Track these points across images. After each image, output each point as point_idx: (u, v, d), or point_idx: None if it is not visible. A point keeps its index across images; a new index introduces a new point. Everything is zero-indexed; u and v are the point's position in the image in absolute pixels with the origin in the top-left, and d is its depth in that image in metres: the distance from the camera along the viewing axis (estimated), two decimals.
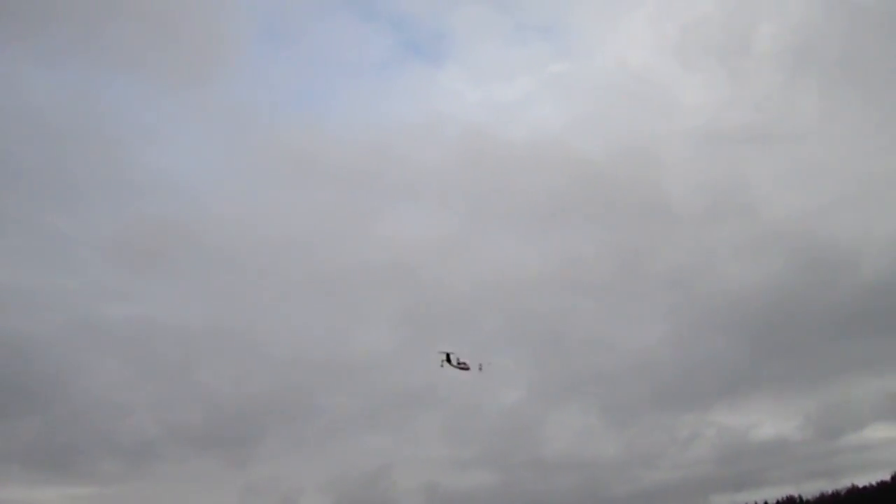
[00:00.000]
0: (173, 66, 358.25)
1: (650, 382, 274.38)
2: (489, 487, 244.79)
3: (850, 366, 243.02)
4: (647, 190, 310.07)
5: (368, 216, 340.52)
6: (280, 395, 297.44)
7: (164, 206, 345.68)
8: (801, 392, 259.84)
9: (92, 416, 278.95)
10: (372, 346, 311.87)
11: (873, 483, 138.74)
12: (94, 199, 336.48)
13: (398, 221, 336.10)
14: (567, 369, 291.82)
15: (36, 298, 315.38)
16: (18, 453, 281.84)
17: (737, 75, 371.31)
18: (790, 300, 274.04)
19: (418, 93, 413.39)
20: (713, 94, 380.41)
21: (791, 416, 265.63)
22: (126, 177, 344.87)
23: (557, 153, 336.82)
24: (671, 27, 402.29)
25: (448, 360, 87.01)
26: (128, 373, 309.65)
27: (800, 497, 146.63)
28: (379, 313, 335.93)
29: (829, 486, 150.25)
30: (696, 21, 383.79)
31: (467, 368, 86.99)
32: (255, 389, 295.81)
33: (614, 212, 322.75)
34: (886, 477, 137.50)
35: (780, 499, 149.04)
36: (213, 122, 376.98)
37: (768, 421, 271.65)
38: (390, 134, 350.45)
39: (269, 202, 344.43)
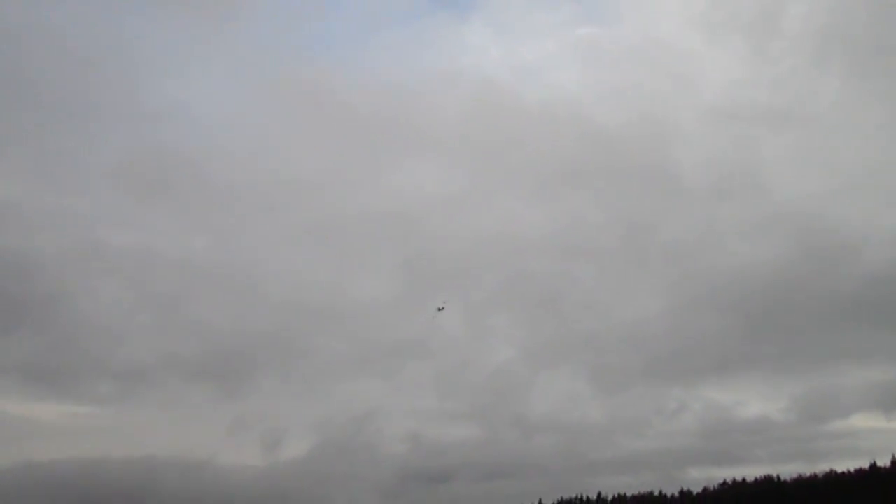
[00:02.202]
0: (199, 1, 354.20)
1: (642, 353, 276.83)
2: (472, 441, 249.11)
3: (841, 354, 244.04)
4: (657, 161, 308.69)
5: (378, 164, 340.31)
6: (275, 334, 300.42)
7: (176, 137, 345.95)
8: (790, 375, 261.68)
9: (90, 338, 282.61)
10: (369, 294, 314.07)
11: (851, 470, 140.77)
12: (106, 124, 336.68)
13: (407, 172, 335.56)
14: (560, 333, 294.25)
15: (40, 217, 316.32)
16: (17, 368, 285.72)
17: (760, 53, 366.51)
18: (790, 283, 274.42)
19: (440, 44, 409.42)
20: (734, 70, 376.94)
21: (778, 398, 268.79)
22: (141, 105, 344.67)
23: (572, 117, 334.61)
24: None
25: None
26: (126, 299, 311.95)
27: (777, 477, 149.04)
28: (379, 262, 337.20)
29: (807, 469, 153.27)
30: None
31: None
32: (250, 327, 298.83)
33: (622, 180, 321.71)
34: (865, 465, 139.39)
35: (758, 477, 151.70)
36: (233, 59, 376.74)
37: (755, 400, 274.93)
38: (407, 83, 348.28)
39: (280, 142, 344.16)
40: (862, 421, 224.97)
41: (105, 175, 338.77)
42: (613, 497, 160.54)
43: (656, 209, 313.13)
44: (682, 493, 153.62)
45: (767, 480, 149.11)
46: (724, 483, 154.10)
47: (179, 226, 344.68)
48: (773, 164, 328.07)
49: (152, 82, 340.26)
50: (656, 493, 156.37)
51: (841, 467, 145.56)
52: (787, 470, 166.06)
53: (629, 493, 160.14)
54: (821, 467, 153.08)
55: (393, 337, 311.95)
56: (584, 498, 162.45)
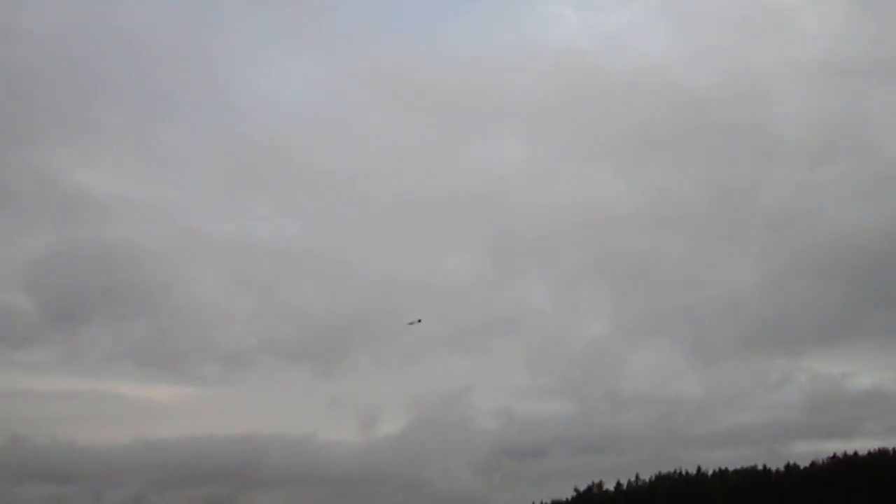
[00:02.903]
0: None
1: (739, 324, 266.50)
2: (565, 416, 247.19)
3: None
4: (752, 123, 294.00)
5: (460, 143, 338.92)
6: (367, 314, 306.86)
7: (262, 126, 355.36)
8: None
9: (195, 323, 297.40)
10: (458, 272, 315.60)
11: None
12: (196, 117, 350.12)
13: (490, 148, 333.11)
14: (652, 306, 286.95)
15: (143, 210, 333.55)
16: (131, 353, 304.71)
17: (861, 4, 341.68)
18: None
19: (519, 17, 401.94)
20: (834, 23, 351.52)
21: (891, 368, 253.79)
22: (226, 96, 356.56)
23: (658, 83, 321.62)
24: None
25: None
26: (226, 285, 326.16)
27: (894, 450, 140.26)
28: (466, 240, 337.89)
29: None
30: None
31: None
32: (343, 308, 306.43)
33: (714, 146, 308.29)
34: None
35: (871, 450, 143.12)
36: (314, 45, 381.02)
37: (865, 371, 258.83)
38: (487, 59, 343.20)
39: (363, 125, 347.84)
40: None
41: (200, 167, 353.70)
42: (714, 472, 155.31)
43: (752, 174, 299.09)
44: (787, 467, 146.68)
45: (882, 453, 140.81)
46: (834, 456, 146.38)
47: (271, 213, 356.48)
48: (881, 121, 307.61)
49: (239, 74, 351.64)
50: (760, 468, 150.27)
51: None
52: None
53: (731, 468, 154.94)
54: None
55: (482, 314, 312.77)
56: (683, 473, 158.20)
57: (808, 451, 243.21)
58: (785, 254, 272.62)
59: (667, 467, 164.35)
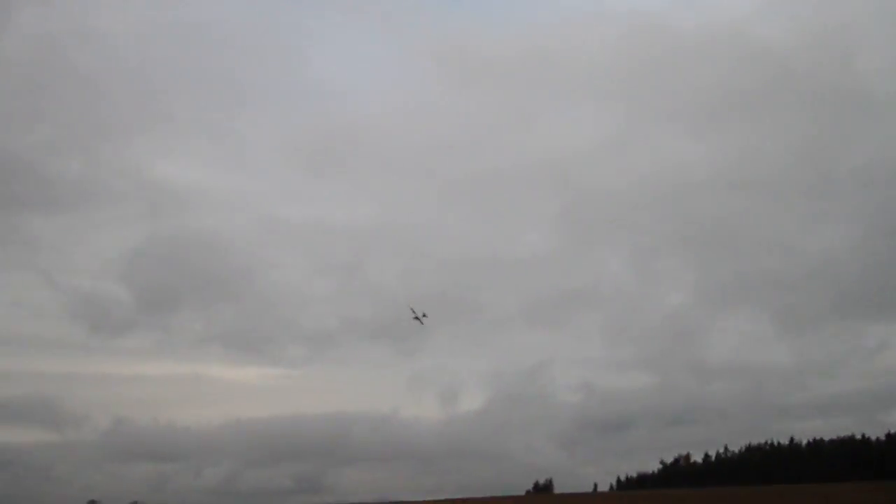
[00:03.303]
0: None
1: (832, 288, 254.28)
2: (648, 389, 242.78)
3: None
4: (840, 76, 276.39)
5: (531, 114, 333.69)
6: (444, 292, 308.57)
7: (334, 109, 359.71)
8: None
9: (278, 307, 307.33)
10: (533, 246, 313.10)
11: None
12: (271, 105, 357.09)
13: (560, 118, 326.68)
14: (737, 273, 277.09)
15: (223, 199, 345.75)
16: (221, 337, 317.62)
17: None
18: None
19: None
20: None
21: None
22: (298, 83, 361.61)
23: (734, 38, 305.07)
24: None
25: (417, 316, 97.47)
26: (306, 268, 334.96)
27: None
28: (540, 212, 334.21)
29: None
30: None
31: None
32: (420, 286, 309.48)
33: (799, 102, 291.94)
34: None
35: None
36: (378, 25, 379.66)
37: None
38: (553, 27, 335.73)
39: (433, 102, 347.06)
40: None
41: (276, 153, 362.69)
42: (808, 442, 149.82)
43: (842, 129, 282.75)
44: (888, 436, 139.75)
45: None
46: None
47: (346, 195, 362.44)
48: None
49: (309, 60, 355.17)
50: (858, 437, 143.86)
51: None
52: None
53: (826, 438, 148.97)
54: None
55: (559, 287, 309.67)
56: (775, 444, 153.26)
57: None
58: (878, 212, 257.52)
59: (757, 438, 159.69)
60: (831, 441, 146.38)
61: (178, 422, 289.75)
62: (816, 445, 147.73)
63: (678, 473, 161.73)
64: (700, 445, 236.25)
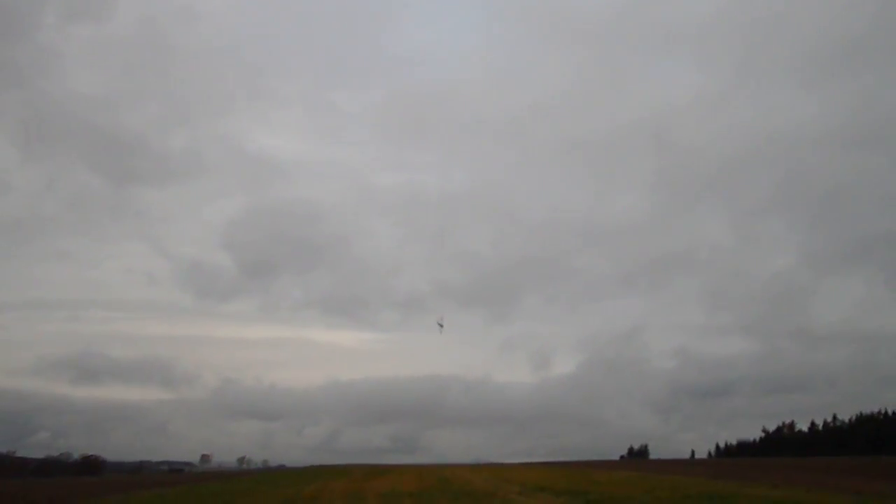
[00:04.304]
0: None
1: None
2: (748, 355, 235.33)
3: None
4: None
5: (624, 74, 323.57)
6: (536, 257, 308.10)
7: (424, 77, 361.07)
8: None
9: (372, 273, 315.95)
10: (628, 209, 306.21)
11: None
12: (362, 75, 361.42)
13: (656, 75, 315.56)
14: (849, 233, 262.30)
15: (318, 169, 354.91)
16: (318, 303, 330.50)
17: None
18: None
19: None
20: None
21: None
22: (388, 53, 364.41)
23: None
24: None
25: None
26: (399, 235, 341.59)
27: None
28: (636, 175, 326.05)
29: None
30: None
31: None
32: (512, 251, 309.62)
33: None
34: None
35: None
36: None
37: None
38: None
39: (521, 66, 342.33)
40: None
41: (368, 122, 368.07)
42: None
43: None
44: None
45: None
46: None
47: (438, 162, 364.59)
48: None
49: (397, 29, 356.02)
50: None
51: None
52: None
53: None
54: None
55: (655, 251, 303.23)
56: (889, 413, 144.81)
57: None
58: None
59: (869, 407, 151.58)
60: None
61: (280, 383, 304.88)
62: None
63: (781, 442, 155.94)
64: (806, 414, 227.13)
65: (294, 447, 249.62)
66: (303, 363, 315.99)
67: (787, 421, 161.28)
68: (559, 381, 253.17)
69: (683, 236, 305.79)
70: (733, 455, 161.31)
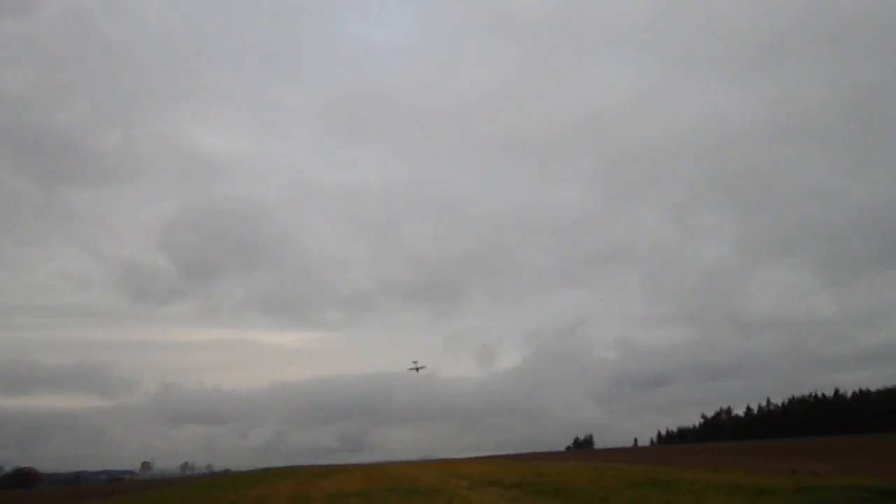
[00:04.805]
0: None
1: (879, 237, 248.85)
2: (686, 344, 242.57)
3: None
4: (883, 15, 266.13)
5: (562, 71, 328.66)
6: (480, 252, 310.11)
7: (365, 73, 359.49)
8: None
9: (316, 271, 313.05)
10: (568, 204, 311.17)
11: None
12: (303, 71, 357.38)
13: (593, 72, 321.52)
14: (779, 224, 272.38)
15: (258, 167, 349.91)
16: (260, 302, 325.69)
17: None
18: None
19: None
20: None
21: None
22: (328, 49, 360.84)
23: None
24: None
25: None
26: (342, 233, 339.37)
27: None
28: (575, 170, 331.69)
29: None
30: None
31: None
32: (456, 247, 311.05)
33: (843, 46, 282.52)
34: None
35: None
36: None
37: None
38: None
39: (462, 62, 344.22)
40: None
41: (310, 119, 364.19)
42: (854, 393, 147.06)
43: (886, 73, 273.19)
44: None
45: None
46: None
47: (380, 158, 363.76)
48: None
49: (337, 25, 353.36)
50: None
51: None
52: None
53: (872, 389, 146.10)
54: None
55: (596, 244, 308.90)
56: (819, 396, 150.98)
57: None
58: None
59: (801, 391, 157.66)
60: (878, 392, 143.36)
61: (223, 385, 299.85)
62: (863, 396, 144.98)
63: (720, 427, 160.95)
64: (742, 399, 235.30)
65: (239, 451, 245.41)
66: (246, 365, 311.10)
67: (725, 406, 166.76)
68: (505, 375, 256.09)
69: (624, 229, 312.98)
70: (675, 441, 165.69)
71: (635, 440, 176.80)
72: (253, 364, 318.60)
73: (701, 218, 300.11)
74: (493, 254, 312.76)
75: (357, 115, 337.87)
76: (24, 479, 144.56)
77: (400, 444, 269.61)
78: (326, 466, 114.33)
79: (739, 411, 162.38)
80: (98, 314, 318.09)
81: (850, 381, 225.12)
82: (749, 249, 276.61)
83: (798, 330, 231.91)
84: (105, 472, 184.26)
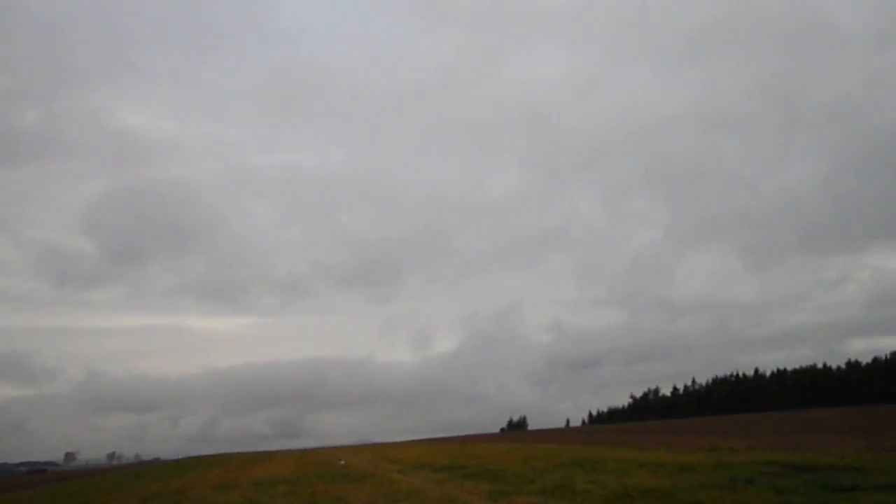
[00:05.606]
0: None
1: (797, 223, 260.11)
2: (617, 327, 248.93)
3: None
4: (808, 11, 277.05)
5: (499, 56, 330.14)
6: (416, 236, 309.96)
7: (302, 54, 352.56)
8: None
9: (250, 255, 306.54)
10: (505, 188, 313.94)
11: None
12: (236, 50, 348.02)
13: (530, 59, 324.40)
14: (705, 211, 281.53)
15: (190, 148, 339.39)
16: (191, 287, 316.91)
17: None
18: None
19: None
20: None
21: None
22: (264, 28, 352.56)
23: None
24: None
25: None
26: (277, 216, 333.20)
27: None
28: (512, 155, 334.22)
29: None
30: None
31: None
32: (392, 231, 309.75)
33: (768, 38, 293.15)
34: None
35: None
36: None
37: None
38: None
39: (399, 45, 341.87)
40: None
41: (243, 100, 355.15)
42: (772, 373, 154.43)
43: (809, 66, 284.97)
44: (849, 364, 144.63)
45: None
46: None
47: (316, 141, 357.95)
48: None
49: (273, 4, 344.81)
50: (820, 367, 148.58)
51: None
52: None
53: (789, 368, 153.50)
54: None
55: (531, 229, 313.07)
56: (740, 375, 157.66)
57: (868, 348, 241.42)
58: (844, 147, 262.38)
59: (723, 371, 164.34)
60: (794, 371, 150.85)
61: (153, 372, 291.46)
62: (780, 375, 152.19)
63: (648, 407, 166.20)
64: (669, 379, 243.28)
65: (170, 439, 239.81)
66: (178, 351, 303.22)
67: (653, 387, 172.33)
68: (440, 359, 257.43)
69: (557, 214, 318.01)
70: (605, 421, 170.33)
71: (567, 421, 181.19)
72: (185, 350, 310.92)
73: (632, 204, 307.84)
74: (429, 238, 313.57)
75: (292, 96, 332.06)
76: None
77: (336, 429, 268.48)
78: (259, 453, 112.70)
79: (666, 391, 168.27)
80: (16, 299, 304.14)
81: (769, 361, 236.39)
82: (676, 235, 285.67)
83: (721, 313, 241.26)
84: (26, 463, 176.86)
